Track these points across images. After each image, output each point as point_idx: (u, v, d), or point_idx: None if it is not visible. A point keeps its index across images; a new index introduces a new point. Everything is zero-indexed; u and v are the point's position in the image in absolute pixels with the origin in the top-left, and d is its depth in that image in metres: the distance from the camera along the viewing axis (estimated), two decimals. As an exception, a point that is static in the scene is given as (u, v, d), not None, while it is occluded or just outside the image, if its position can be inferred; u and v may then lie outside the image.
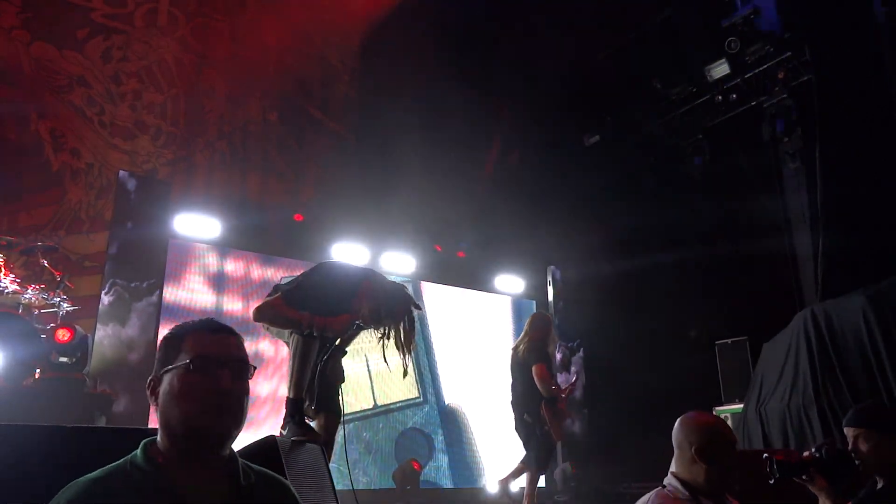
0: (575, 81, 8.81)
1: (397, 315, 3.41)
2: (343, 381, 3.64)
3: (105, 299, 5.94)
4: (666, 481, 2.30)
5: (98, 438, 3.27)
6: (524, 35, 8.51)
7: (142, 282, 6.17)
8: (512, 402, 5.33)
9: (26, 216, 6.59)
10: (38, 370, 4.98)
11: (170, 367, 1.40)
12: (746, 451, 5.56)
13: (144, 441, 1.41)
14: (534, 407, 5.09)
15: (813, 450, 2.77)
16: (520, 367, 5.24)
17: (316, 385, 3.40)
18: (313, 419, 3.44)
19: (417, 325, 3.54)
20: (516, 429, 5.31)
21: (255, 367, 1.46)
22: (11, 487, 2.33)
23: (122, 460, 1.39)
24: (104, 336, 5.80)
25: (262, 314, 3.30)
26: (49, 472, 2.46)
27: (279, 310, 3.28)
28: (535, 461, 5.11)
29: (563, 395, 5.29)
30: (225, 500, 1.37)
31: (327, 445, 3.43)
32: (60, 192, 6.84)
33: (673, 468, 2.32)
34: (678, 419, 2.38)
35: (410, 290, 3.59)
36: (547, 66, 8.53)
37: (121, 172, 6.67)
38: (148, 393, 1.44)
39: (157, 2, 7.85)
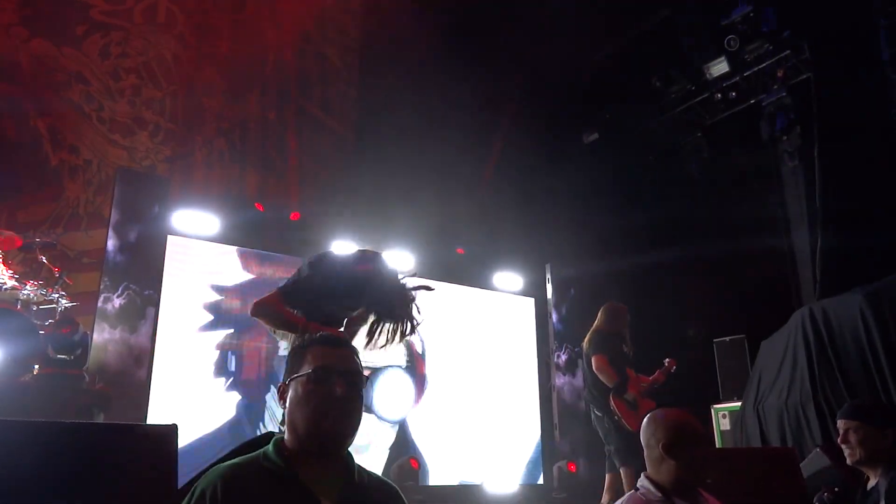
0: (574, 79, 8.81)
1: (396, 319, 3.38)
2: None
3: (117, 302, 5.96)
4: (639, 484, 2.30)
5: (96, 435, 3.27)
6: (524, 33, 8.50)
7: (145, 288, 6.18)
8: (584, 398, 5.29)
9: (24, 212, 6.58)
10: (35, 366, 4.97)
11: (295, 375, 1.63)
12: (739, 449, 5.57)
13: (275, 438, 1.63)
14: (601, 399, 5.01)
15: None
16: (586, 360, 5.19)
17: None
18: None
19: (417, 321, 3.47)
20: (594, 425, 5.22)
21: (367, 378, 1.72)
22: (9, 484, 2.33)
23: (254, 453, 1.61)
24: (110, 340, 5.81)
25: (259, 310, 3.25)
26: (47, 468, 2.47)
27: (276, 308, 3.20)
28: (616, 455, 4.94)
29: (645, 385, 5.19)
30: (341, 493, 1.55)
31: None
32: (59, 188, 6.83)
33: (646, 470, 2.32)
34: (644, 419, 2.38)
35: (414, 284, 3.48)
36: (547, 64, 8.53)
37: (119, 169, 6.66)
38: (278, 397, 1.69)
39: (156, -1, 7.84)
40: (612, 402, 4.92)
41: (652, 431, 2.31)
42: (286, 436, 1.62)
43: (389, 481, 1.74)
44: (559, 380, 8.84)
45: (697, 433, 2.30)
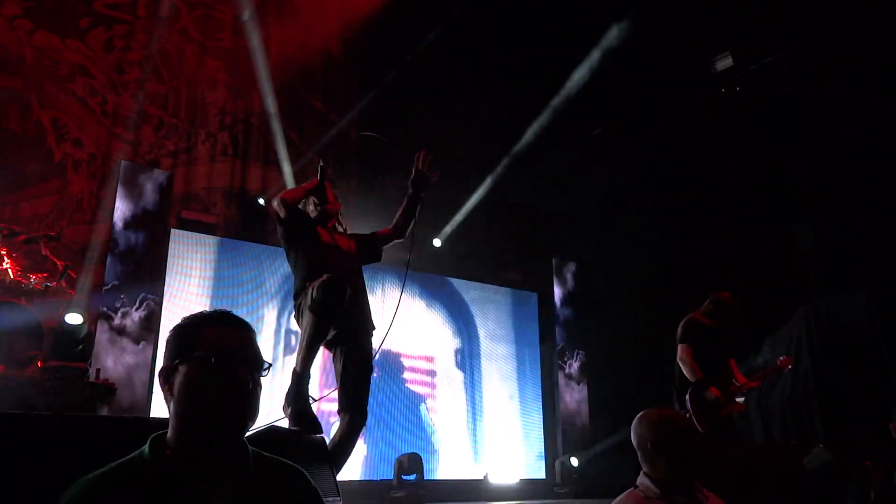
0: (582, 72, 8.78)
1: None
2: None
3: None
4: (638, 481, 2.35)
5: (100, 428, 3.28)
6: (531, 25, 8.47)
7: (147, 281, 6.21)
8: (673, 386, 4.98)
9: (28, 205, 6.58)
10: (39, 359, 4.98)
11: (188, 357, 1.40)
12: (741, 443, 5.57)
13: (153, 436, 1.41)
14: (681, 393, 4.74)
15: None
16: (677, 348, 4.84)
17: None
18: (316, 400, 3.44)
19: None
20: None
21: (270, 365, 1.47)
22: (13, 476, 2.34)
23: (130, 455, 1.39)
24: (113, 333, 5.84)
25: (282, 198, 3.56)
26: (51, 461, 2.47)
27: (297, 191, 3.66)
28: None
29: (741, 386, 4.78)
30: (234, 490, 1.35)
31: (343, 448, 3.37)
32: (62, 181, 6.83)
33: (643, 468, 2.37)
34: (635, 420, 2.44)
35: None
36: (552, 58, 8.51)
37: (123, 163, 6.67)
38: (160, 381, 1.44)
39: (159, -8, 7.83)
40: (687, 398, 4.65)
41: (641, 431, 2.37)
42: (169, 430, 1.40)
43: (293, 464, 1.53)
44: (569, 395, 8.82)
45: (683, 426, 2.39)
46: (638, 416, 2.43)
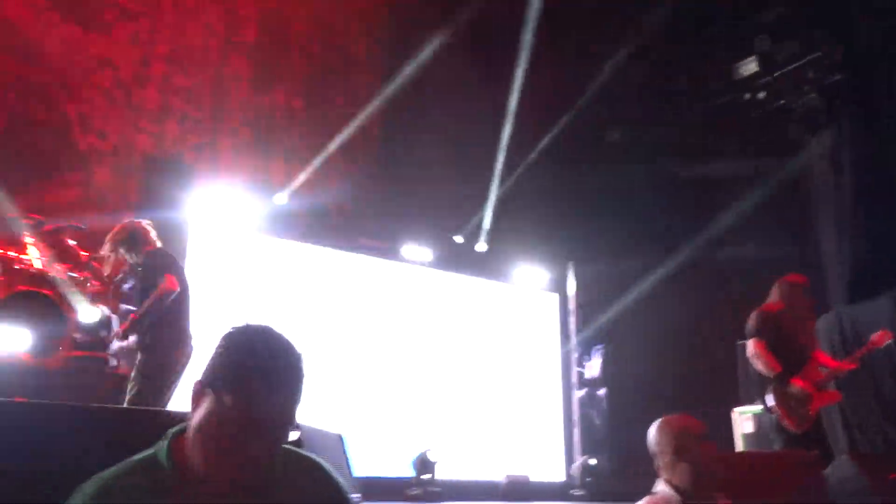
0: (601, 76, 8.74)
1: None
2: None
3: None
4: (656, 488, 2.35)
5: (122, 419, 3.30)
6: (552, 30, 8.44)
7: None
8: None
9: (53, 196, 6.64)
10: (62, 349, 5.02)
11: (217, 396, 1.29)
12: (762, 453, 5.51)
13: (170, 434, 1.37)
14: (760, 392, 4.43)
15: None
16: None
17: None
18: None
19: None
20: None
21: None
22: (35, 467, 2.35)
23: (146, 453, 1.37)
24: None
25: None
26: (73, 451, 2.49)
27: None
28: None
29: (830, 371, 4.40)
30: (256, 485, 1.30)
31: None
32: (87, 173, 6.88)
33: (662, 475, 2.36)
34: (653, 427, 2.43)
35: None
36: (573, 63, 8.48)
37: (147, 155, 6.72)
38: (192, 394, 1.35)
39: (184, -13, 7.87)
40: (770, 396, 4.30)
41: (660, 438, 2.37)
42: (190, 443, 1.32)
43: (315, 457, 1.47)
44: (587, 396, 8.78)
45: (702, 433, 2.37)
46: (657, 422, 2.43)
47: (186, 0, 7.83)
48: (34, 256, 5.10)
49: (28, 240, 5.12)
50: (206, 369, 1.35)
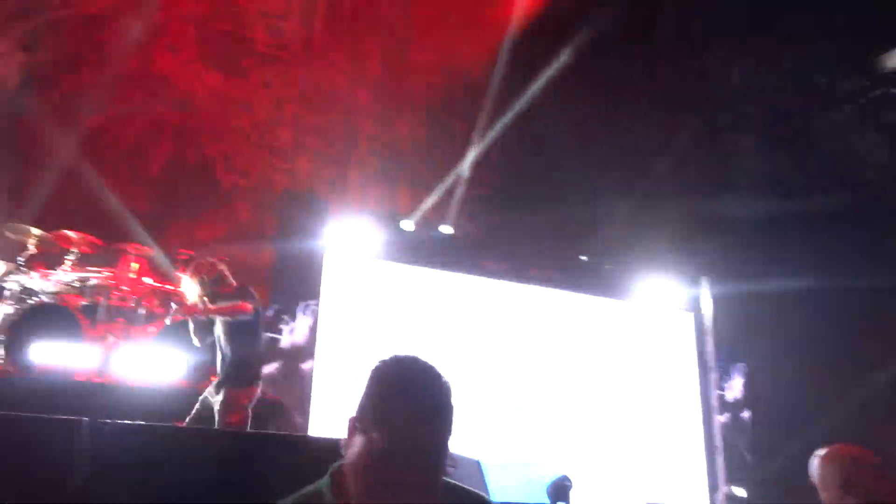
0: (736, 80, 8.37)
1: None
2: None
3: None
4: None
5: (266, 444, 3.43)
6: (680, 43, 8.20)
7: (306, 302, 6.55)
8: None
9: (202, 232, 7.15)
10: (212, 375, 5.34)
11: (366, 432, 1.31)
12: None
13: (334, 468, 1.40)
14: None
15: None
16: None
17: None
18: None
19: None
20: None
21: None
22: (181, 490, 2.51)
23: (312, 487, 1.41)
24: (276, 351, 6.20)
25: None
26: (219, 475, 2.60)
27: None
28: None
29: None
30: None
31: None
32: (231, 209, 7.37)
33: None
34: (817, 457, 2.23)
35: None
36: (705, 70, 8.17)
37: (283, 191, 7.11)
38: (349, 426, 1.37)
39: (312, 29, 8.30)
40: None
41: (829, 469, 2.18)
42: (350, 477, 1.34)
43: (473, 490, 1.45)
44: (729, 421, 8.34)
45: (878, 466, 2.16)
46: (824, 452, 2.23)
47: (314, 41, 8.25)
48: (188, 290, 5.47)
49: (182, 274, 5.51)
50: (359, 405, 1.37)
